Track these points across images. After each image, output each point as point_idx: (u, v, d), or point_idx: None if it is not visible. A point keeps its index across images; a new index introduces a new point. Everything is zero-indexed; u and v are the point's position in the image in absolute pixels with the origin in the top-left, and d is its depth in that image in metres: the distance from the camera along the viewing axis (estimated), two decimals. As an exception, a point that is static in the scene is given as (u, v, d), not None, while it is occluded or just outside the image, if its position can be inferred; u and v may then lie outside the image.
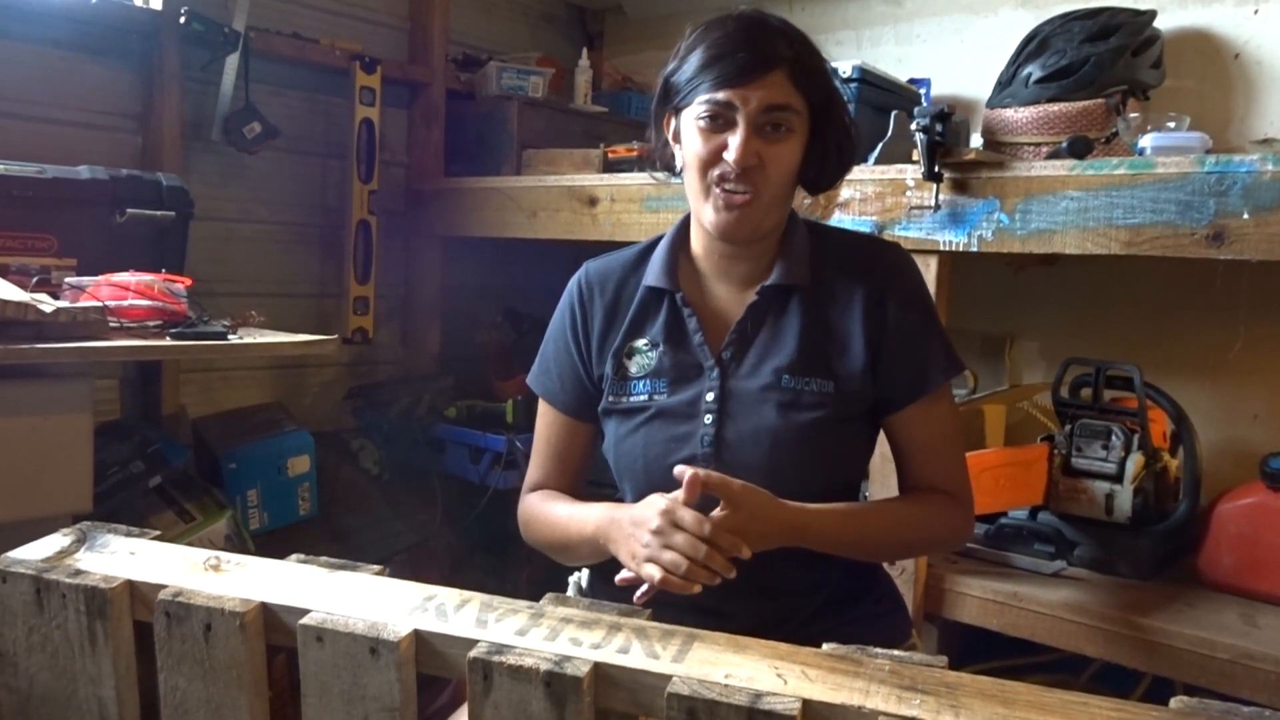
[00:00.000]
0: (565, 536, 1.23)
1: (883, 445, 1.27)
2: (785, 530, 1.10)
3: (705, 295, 1.25)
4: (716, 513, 1.05)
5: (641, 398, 1.21)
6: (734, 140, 1.12)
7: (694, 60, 1.15)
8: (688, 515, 1.04)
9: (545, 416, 1.33)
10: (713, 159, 1.13)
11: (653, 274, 1.25)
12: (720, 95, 1.12)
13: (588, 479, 1.36)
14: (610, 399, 1.24)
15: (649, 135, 1.28)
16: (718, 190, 1.14)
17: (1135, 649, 1.53)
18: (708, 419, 1.17)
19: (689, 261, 1.26)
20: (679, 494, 1.07)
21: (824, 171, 1.23)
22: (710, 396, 1.18)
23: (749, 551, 1.04)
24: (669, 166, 1.27)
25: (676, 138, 1.21)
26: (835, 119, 1.19)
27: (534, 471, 1.34)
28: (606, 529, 1.14)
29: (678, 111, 1.19)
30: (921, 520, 1.20)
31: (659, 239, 1.29)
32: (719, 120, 1.13)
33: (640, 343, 1.24)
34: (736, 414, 1.17)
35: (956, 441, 1.24)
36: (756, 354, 1.19)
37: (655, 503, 1.07)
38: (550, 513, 1.26)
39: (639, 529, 1.07)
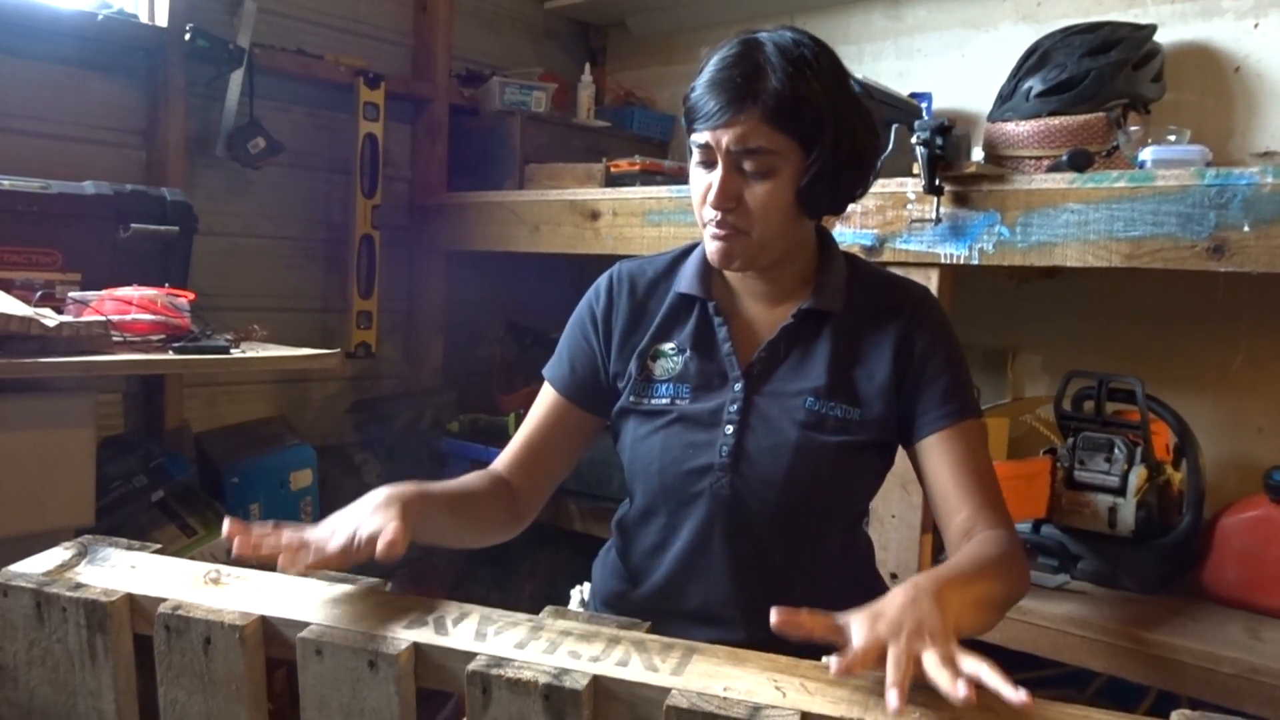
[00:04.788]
0: None
1: (894, 469, 1.24)
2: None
3: (736, 307, 1.25)
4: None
5: (664, 400, 1.21)
6: (714, 182, 1.11)
7: (692, 94, 1.14)
8: None
9: (539, 401, 1.29)
10: (704, 197, 1.14)
11: (685, 281, 1.24)
12: (702, 138, 1.12)
13: (560, 477, 1.29)
14: (631, 399, 1.23)
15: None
16: (710, 227, 1.14)
17: (1139, 663, 1.53)
18: (729, 429, 1.17)
19: (720, 274, 1.26)
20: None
21: (825, 199, 1.16)
22: (734, 407, 1.17)
23: None
24: None
25: None
26: (843, 143, 1.12)
27: (498, 458, 1.27)
28: None
29: None
30: (1009, 565, 1.05)
31: (692, 246, 1.28)
32: (705, 161, 1.13)
33: (666, 346, 1.23)
34: (758, 427, 1.16)
35: (993, 481, 1.16)
36: (785, 373, 1.19)
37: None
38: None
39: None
